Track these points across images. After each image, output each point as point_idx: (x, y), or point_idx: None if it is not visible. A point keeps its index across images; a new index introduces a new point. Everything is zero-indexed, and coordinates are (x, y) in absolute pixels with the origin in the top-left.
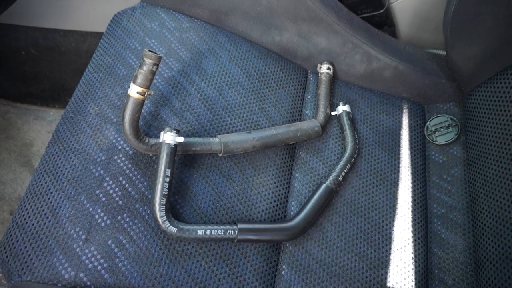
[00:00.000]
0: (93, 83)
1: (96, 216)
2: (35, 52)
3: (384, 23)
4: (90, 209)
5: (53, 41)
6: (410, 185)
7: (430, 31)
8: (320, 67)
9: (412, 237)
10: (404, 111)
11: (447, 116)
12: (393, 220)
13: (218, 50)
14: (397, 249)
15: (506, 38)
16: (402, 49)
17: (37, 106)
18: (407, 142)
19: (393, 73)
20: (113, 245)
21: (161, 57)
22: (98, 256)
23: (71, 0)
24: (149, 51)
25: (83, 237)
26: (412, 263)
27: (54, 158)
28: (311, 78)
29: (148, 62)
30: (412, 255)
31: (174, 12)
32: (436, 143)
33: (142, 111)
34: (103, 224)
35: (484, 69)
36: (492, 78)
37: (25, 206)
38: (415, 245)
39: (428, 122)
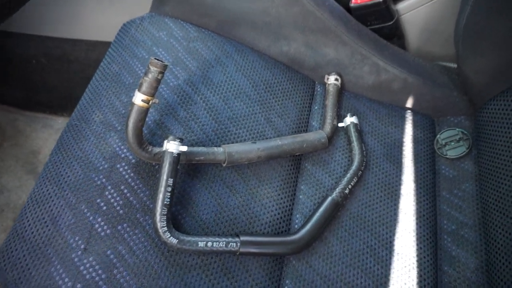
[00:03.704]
0: (99, 91)
1: (96, 225)
2: (45, 61)
3: (393, 35)
4: (90, 218)
5: (63, 50)
6: (419, 199)
7: (440, 43)
8: (328, 78)
9: (421, 253)
10: (413, 123)
11: (458, 129)
12: (401, 236)
13: (225, 60)
14: (405, 266)
15: None
16: (412, 61)
17: (45, 114)
18: (416, 155)
19: (402, 85)
20: (112, 256)
21: (166, 65)
22: (97, 267)
23: (81, 10)
24: (155, 59)
25: (82, 246)
26: (421, 281)
27: (57, 165)
28: (319, 89)
29: (154, 70)
30: (421, 273)
31: (182, 22)
32: (447, 157)
33: (147, 119)
34: (102, 233)
35: (497, 82)
36: (505, 91)
37: (25, 214)
38: (424, 262)
39: (438, 136)
